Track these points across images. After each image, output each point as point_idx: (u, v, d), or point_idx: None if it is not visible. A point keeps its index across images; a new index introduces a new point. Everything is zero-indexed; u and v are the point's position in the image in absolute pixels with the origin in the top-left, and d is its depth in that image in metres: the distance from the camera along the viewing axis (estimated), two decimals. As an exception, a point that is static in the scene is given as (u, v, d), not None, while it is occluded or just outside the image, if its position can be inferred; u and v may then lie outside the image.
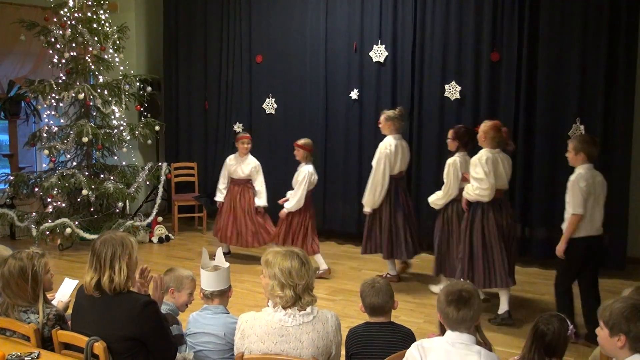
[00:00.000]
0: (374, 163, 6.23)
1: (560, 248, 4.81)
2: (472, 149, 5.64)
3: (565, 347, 2.93)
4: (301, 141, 6.49)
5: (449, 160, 5.83)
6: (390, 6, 7.51)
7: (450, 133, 5.92)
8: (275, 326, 2.83)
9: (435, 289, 6.00)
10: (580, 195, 4.71)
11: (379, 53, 7.60)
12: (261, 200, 7.04)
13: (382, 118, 6.27)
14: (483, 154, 5.23)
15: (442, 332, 2.88)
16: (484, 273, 5.23)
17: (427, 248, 6.90)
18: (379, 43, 7.59)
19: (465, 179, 5.58)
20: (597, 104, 6.56)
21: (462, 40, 7.17)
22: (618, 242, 6.47)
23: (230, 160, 7.16)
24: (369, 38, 7.68)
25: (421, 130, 7.47)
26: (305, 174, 6.41)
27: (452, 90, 7.24)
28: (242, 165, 7.08)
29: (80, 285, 3.14)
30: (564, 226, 4.85)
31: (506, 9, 6.89)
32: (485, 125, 5.33)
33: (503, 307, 5.35)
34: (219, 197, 7.23)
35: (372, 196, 6.22)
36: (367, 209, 6.35)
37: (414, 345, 2.72)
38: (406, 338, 3.25)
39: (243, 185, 7.10)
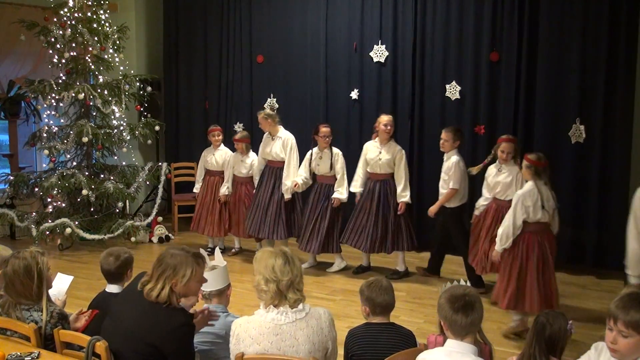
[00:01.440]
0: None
1: None
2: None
3: (565, 343, 2.96)
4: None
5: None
6: (390, 6, 7.51)
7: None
8: (269, 326, 2.83)
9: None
10: None
11: (379, 53, 7.60)
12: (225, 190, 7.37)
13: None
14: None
15: (442, 332, 2.88)
16: None
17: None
18: (380, 43, 7.60)
19: None
20: (597, 104, 6.56)
21: (462, 41, 7.18)
22: (618, 242, 6.46)
23: (206, 152, 7.57)
24: (369, 38, 7.69)
25: (422, 130, 7.48)
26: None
27: (453, 90, 7.24)
28: (216, 156, 7.40)
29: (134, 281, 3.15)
30: None
31: (506, 10, 6.89)
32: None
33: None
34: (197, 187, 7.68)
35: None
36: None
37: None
38: (407, 339, 3.25)
39: (219, 176, 7.42)
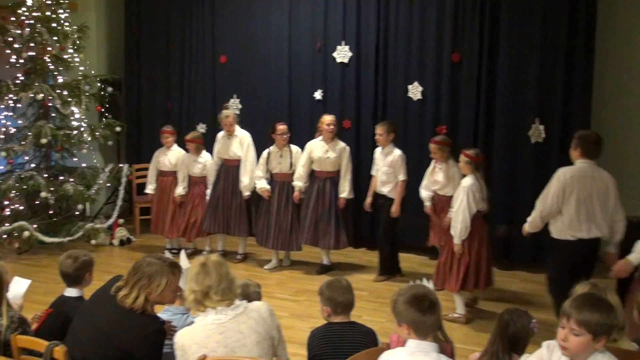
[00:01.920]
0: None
1: None
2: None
3: (528, 341, 3.00)
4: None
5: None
6: (353, 7, 7.54)
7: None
8: (211, 327, 2.85)
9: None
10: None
11: (342, 54, 7.63)
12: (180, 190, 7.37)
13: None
14: None
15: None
16: None
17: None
18: (343, 44, 7.62)
19: None
20: (556, 103, 6.70)
21: (424, 41, 7.25)
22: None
23: (158, 152, 7.56)
24: (332, 39, 7.70)
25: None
26: None
27: (415, 91, 7.31)
28: (169, 156, 7.42)
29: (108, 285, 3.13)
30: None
31: (467, 10, 6.98)
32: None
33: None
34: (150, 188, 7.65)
35: None
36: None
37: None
38: (368, 337, 3.28)
39: (172, 176, 7.43)
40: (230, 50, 8.39)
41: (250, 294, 3.50)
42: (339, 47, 7.64)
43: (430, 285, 2.97)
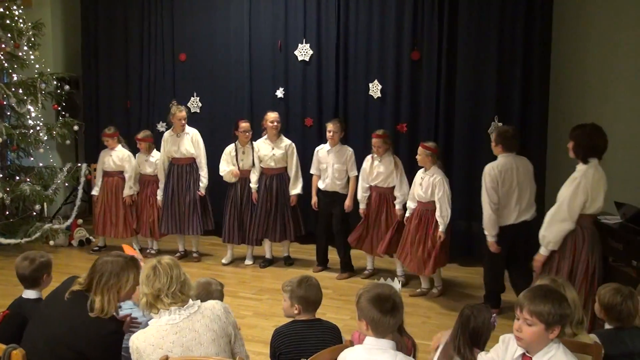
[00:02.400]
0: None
1: None
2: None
3: (488, 335, 3.05)
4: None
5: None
6: (314, 5, 7.55)
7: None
8: (165, 328, 2.84)
9: None
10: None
11: (304, 52, 7.63)
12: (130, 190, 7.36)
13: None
14: None
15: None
16: None
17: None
18: (304, 42, 7.62)
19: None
20: (514, 102, 6.81)
21: (384, 40, 7.30)
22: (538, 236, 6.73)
23: (103, 153, 7.48)
24: (293, 37, 7.70)
25: (346, 128, 7.52)
26: None
27: (375, 89, 7.35)
28: (113, 157, 7.35)
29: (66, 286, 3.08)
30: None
31: (426, 9, 7.05)
32: None
33: None
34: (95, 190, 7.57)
35: None
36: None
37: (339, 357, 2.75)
38: (334, 333, 3.31)
39: (117, 176, 7.36)
40: (189, 48, 8.32)
41: (212, 292, 3.49)
42: (300, 45, 7.64)
43: (397, 285, 2.99)
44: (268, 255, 7.05)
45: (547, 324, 2.48)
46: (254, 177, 6.82)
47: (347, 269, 6.66)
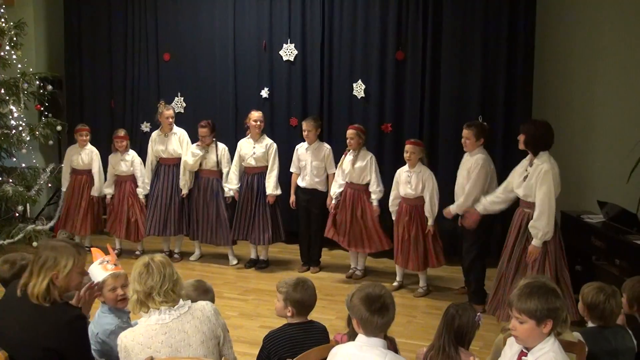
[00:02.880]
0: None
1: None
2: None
3: (473, 334, 3.07)
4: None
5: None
6: (298, 5, 7.55)
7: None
8: (155, 328, 2.82)
9: None
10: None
11: (288, 52, 7.62)
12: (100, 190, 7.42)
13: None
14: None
15: (350, 326, 2.94)
16: None
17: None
18: (289, 42, 7.61)
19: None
20: (498, 102, 6.85)
21: (369, 40, 7.31)
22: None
23: (71, 150, 7.52)
24: (278, 37, 7.69)
25: (331, 128, 7.55)
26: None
27: (359, 89, 7.36)
28: (82, 155, 7.37)
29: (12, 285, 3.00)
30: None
31: (411, 8, 7.07)
32: None
33: None
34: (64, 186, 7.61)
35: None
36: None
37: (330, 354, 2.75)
38: (325, 335, 3.36)
39: (86, 174, 7.40)
40: (174, 48, 8.28)
41: (208, 292, 3.49)
42: (285, 46, 7.63)
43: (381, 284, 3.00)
44: (253, 256, 7.04)
45: (537, 319, 2.54)
46: (233, 176, 6.86)
47: (311, 264, 6.83)
